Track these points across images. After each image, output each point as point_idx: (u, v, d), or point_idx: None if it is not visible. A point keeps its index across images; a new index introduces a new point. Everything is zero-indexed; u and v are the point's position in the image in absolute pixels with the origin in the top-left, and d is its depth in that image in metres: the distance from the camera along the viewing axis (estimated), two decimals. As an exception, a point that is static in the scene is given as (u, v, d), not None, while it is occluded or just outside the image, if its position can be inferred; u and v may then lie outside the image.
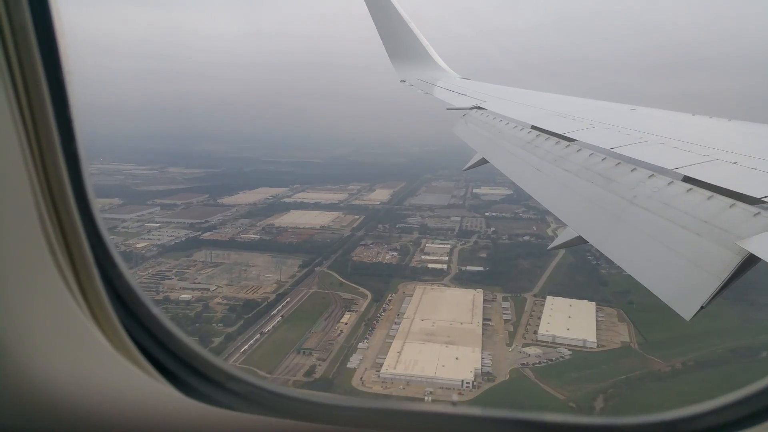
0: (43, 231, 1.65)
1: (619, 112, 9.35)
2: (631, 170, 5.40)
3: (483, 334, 57.21)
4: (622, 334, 59.01)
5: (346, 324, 59.17)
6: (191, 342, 1.98)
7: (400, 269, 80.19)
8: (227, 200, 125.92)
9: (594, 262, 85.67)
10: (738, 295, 68.05)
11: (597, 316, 62.70)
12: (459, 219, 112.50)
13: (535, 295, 69.84)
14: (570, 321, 60.11)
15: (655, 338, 57.91)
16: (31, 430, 1.70)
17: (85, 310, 1.77)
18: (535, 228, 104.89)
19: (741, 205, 3.89)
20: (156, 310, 1.97)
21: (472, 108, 12.17)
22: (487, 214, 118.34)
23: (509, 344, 55.66)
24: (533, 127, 8.56)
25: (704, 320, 61.95)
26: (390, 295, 68.95)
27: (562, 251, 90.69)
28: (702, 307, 3.36)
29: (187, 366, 1.94)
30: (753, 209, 3.78)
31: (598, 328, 59.48)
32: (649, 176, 5.07)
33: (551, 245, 6.75)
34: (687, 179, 4.74)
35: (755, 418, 1.79)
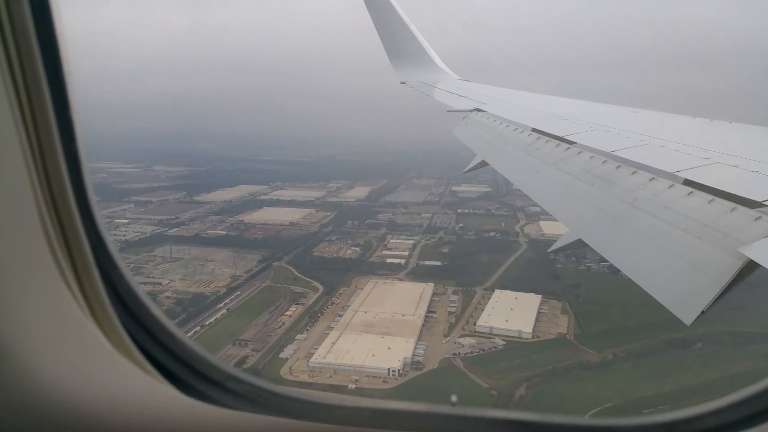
0: (44, 231, 1.65)
1: (620, 115, 9.32)
2: (632, 173, 5.38)
3: (423, 325, 58.41)
4: (561, 325, 60.11)
5: (290, 316, 60.37)
6: (191, 342, 1.99)
7: (358, 264, 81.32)
8: (203, 197, 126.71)
9: (552, 257, 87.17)
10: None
11: (540, 308, 63.74)
12: (430, 215, 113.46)
13: (485, 289, 70.89)
14: (511, 313, 61.23)
15: (593, 330, 59.11)
16: (31, 430, 1.69)
17: (85, 310, 1.77)
18: (503, 224, 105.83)
19: (742, 209, 3.86)
20: (156, 311, 1.98)
21: (472, 110, 12.19)
22: (459, 210, 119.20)
23: (447, 335, 56.85)
24: (534, 130, 8.56)
25: (647, 313, 63.13)
26: (342, 288, 70.13)
27: (524, 246, 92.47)
28: (702, 312, 3.36)
29: (187, 366, 1.95)
30: (754, 213, 3.75)
31: (538, 320, 60.56)
32: (650, 179, 5.05)
33: (551, 248, 6.73)
34: (688, 182, 4.73)
35: (755, 420, 1.77)
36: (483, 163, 9.77)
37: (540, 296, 66.88)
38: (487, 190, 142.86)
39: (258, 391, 1.92)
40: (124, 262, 1.95)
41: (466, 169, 10.75)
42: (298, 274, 74.54)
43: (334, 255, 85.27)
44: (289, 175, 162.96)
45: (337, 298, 66.85)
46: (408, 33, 20.01)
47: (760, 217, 3.66)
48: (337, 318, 59.83)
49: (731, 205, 3.97)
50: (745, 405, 1.84)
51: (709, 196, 4.25)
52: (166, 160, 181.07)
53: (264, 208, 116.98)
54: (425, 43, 20.11)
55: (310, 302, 65.25)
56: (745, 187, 4.31)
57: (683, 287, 3.72)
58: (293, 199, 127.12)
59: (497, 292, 68.74)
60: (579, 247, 5.59)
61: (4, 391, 1.63)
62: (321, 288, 69.66)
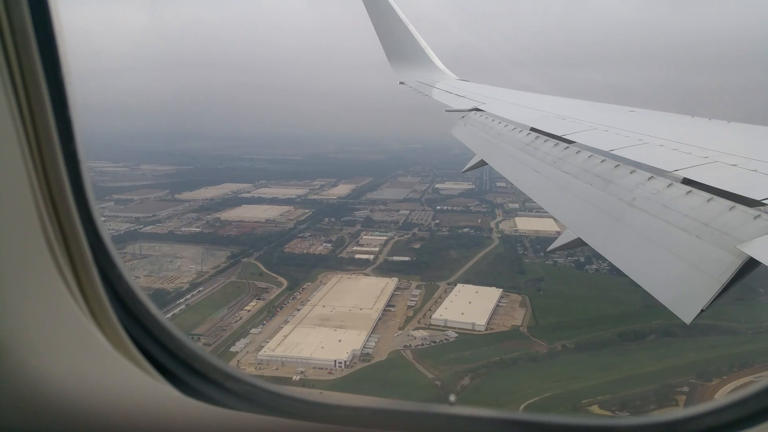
0: (43, 231, 1.65)
1: (619, 114, 9.35)
2: (631, 172, 5.39)
3: (380, 319, 59.17)
4: (517, 318, 60.88)
5: (249, 311, 61.12)
6: (190, 342, 2.01)
7: (327, 260, 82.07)
8: (186, 196, 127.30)
9: (521, 252, 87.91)
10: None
11: (499, 302, 64.51)
12: (407, 212, 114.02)
13: (449, 283, 71.65)
14: (469, 306, 61.94)
15: (547, 322, 59.95)
16: (30, 429, 1.70)
17: (84, 310, 1.76)
18: (479, 221, 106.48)
19: (741, 208, 3.87)
20: (155, 310, 1.98)
21: (471, 110, 12.20)
22: (438, 207, 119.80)
23: (401, 328, 57.60)
24: (532, 129, 8.57)
25: (605, 306, 64.04)
26: (306, 284, 70.87)
27: (496, 242, 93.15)
28: (702, 311, 3.35)
29: (186, 365, 1.96)
30: (753, 212, 3.76)
31: (495, 313, 61.34)
32: (649, 178, 5.06)
33: (550, 247, 6.72)
34: (686, 181, 4.73)
35: (754, 419, 1.79)
36: (482, 163, 9.79)
37: (501, 290, 67.62)
38: (470, 187, 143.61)
39: (256, 390, 1.93)
40: (123, 261, 1.95)
41: (465, 168, 10.84)
42: (265, 270, 75.26)
43: (305, 251, 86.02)
44: (278, 173, 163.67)
45: (300, 293, 67.60)
46: (407, 33, 20.08)
47: (759, 215, 3.65)
48: (295, 312, 60.61)
49: (730, 203, 3.96)
50: (743, 405, 1.84)
51: (708, 195, 4.24)
52: (156, 159, 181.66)
53: (243, 205, 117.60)
54: (424, 43, 20.21)
55: (272, 297, 66.00)
56: (744, 185, 4.29)
57: (682, 286, 3.71)
58: (275, 197, 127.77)
59: (459, 286, 69.50)
60: (578, 246, 5.58)
61: (2, 390, 1.63)
62: (285, 283, 70.42)
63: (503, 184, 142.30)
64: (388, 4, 20.08)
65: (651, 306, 64.08)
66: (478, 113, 11.80)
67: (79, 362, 1.74)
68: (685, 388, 45.88)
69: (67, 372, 1.70)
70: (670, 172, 5.03)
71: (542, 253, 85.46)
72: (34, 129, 1.61)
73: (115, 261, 1.91)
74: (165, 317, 2.03)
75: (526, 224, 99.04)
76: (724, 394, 45.02)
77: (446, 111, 13.29)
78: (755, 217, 3.66)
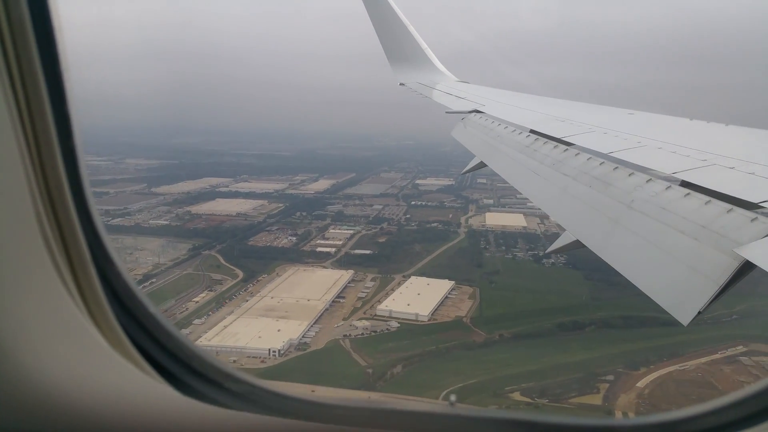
0: (40, 228, 1.64)
1: (617, 117, 9.38)
2: (629, 175, 5.42)
3: (326, 310, 60.05)
4: (463, 309, 61.77)
5: (197, 303, 61.95)
6: (189, 341, 2.01)
7: (288, 252, 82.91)
8: (163, 189, 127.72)
9: (483, 247, 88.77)
10: (602, 275, 71.16)
11: (449, 294, 65.42)
12: (381, 207, 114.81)
13: (404, 276, 72.53)
14: (417, 298, 62.85)
15: (492, 313, 60.89)
16: (29, 429, 1.69)
17: (82, 309, 1.76)
18: (450, 216, 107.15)
19: (738, 210, 3.90)
20: (154, 309, 1.98)
21: (471, 112, 12.24)
22: (413, 202, 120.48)
23: (346, 318, 58.49)
24: (532, 131, 8.58)
25: (553, 298, 64.93)
26: (262, 276, 71.66)
27: (461, 236, 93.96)
28: (699, 312, 3.38)
29: (185, 365, 1.96)
30: (750, 214, 3.78)
31: (442, 305, 62.24)
32: (647, 181, 5.07)
33: (549, 249, 6.70)
34: (685, 184, 4.75)
35: (753, 420, 1.80)
36: (481, 164, 9.81)
37: (452, 282, 68.51)
38: (450, 183, 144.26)
39: (256, 390, 1.93)
40: (121, 260, 1.95)
41: (465, 170, 10.88)
42: (224, 262, 76.04)
43: (268, 244, 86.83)
44: (263, 168, 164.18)
45: (253, 284, 68.39)
46: (407, 34, 20.17)
47: (757, 218, 3.67)
48: (243, 303, 61.45)
49: (728, 206, 3.99)
50: (743, 405, 1.84)
51: (706, 198, 4.27)
52: (142, 153, 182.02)
53: (217, 199, 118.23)
54: (424, 45, 20.30)
55: (224, 289, 66.77)
56: (742, 188, 4.32)
57: (680, 288, 3.73)
58: (252, 191, 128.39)
59: (412, 278, 70.44)
60: (576, 248, 5.53)
61: (1, 389, 1.62)
62: (241, 275, 71.22)
63: (483, 181, 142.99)
64: (388, 5, 20.19)
65: (597, 298, 65.26)
66: (478, 115, 11.88)
67: (77, 362, 1.74)
68: (610, 377, 46.77)
69: (65, 372, 1.70)
70: (669, 174, 5.05)
71: (504, 247, 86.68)
72: (32, 125, 1.60)
73: (113, 260, 1.91)
74: (164, 317, 2.02)
75: (494, 220, 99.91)
76: (646, 382, 46.03)
77: (446, 112, 13.38)
78: (752, 220, 3.68)
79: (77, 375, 1.73)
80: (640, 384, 45.40)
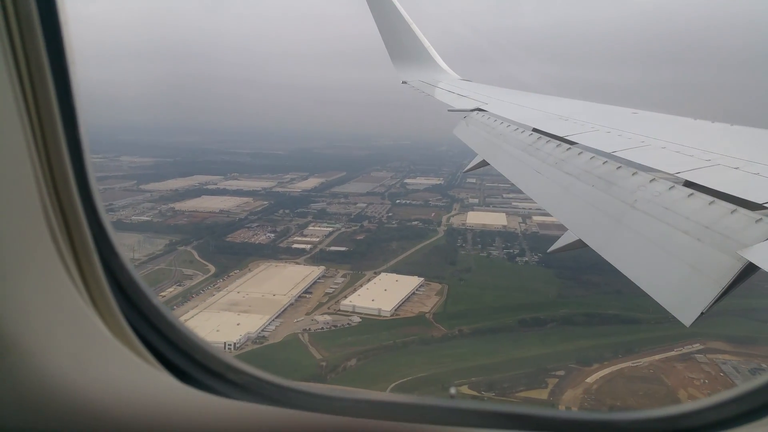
0: (46, 219, 1.65)
1: (621, 116, 9.34)
2: (632, 174, 5.38)
3: (291, 304, 60.58)
4: (427, 305, 62.21)
5: (164, 297, 62.45)
6: (192, 332, 2.03)
7: (264, 249, 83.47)
8: (151, 186, 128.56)
9: (459, 245, 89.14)
10: (572, 274, 71.47)
11: (417, 290, 65.89)
12: (365, 205, 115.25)
13: (376, 272, 73.00)
14: (383, 294, 63.35)
15: (456, 309, 61.32)
16: (31, 418, 1.70)
17: (86, 299, 1.77)
18: (433, 215, 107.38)
19: (742, 211, 3.87)
20: (157, 301, 1.99)
21: (473, 110, 12.27)
22: (398, 201, 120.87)
23: (309, 313, 59.01)
24: (534, 130, 8.57)
25: (519, 295, 65.25)
26: (234, 271, 72.25)
27: (440, 234, 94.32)
28: (702, 313, 3.37)
29: (187, 356, 1.97)
30: (755, 215, 3.76)
31: (408, 301, 62.72)
32: (650, 180, 5.05)
33: (551, 248, 6.67)
34: (688, 184, 4.74)
35: (753, 415, 1.81)
36: (483, 163, 9.81)
37: (421, 279, 68.93)
38: (439, 182, 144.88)
39: (257, 381, 1.95)
40: (125, 251, 1.97)
41: (467, 168, 10.90)
42: (198, 258, 76.66)
43: (246, 240, 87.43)
44: (256, 166, 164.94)
45: (223, 280, 68.99)
46: (410, 32, 20.20)
47: (761, 219, 3.65)
48: (209, 298, 62.05)
49: (732, 207, 3.98)
50: (744, 400, 1.86)
51: (710, 198, 4.26)
52: (141, 151, 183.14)
53: (202, 196, 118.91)
54: (427, 43, 20.36)
55: (193, 284, 67.38)
56: (746, 189, 4.31)
57: (683, 289, 3.71)
58: (239, 189, 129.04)
59: (382, 275, 70.89)
60: (579, 247, 5.53)
61: (3, 379, 1.64)
62: (213, 270, 71.85)
63: (473, 180, 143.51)
64: (391, 3, 20.25)
65: (564, 296, 65.64)
66: (481, 113, 11.88)
67: (80, 352, 1.75)
68: (561, 372, 47.12)
69: (68, 361, 1.71)
70: (672, 174, 5.04)
71: (479, 245, 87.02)
72: (38, 117, 1.61)
73: (117, 251, 1.92)
74: (167, 308, 2.04)
75: (476, 219, 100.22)
76: (596, 378, 46.35)
77: (449, 111, 13.38)
78: (757, 221, 3.66)
79: (80, 365, 1.74)
80: (590, 380, 45.74)
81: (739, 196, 4.19)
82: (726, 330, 53.82)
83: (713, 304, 3.35)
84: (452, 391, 2.03)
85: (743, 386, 1.88)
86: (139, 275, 2.00)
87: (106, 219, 1.89)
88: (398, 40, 20.45)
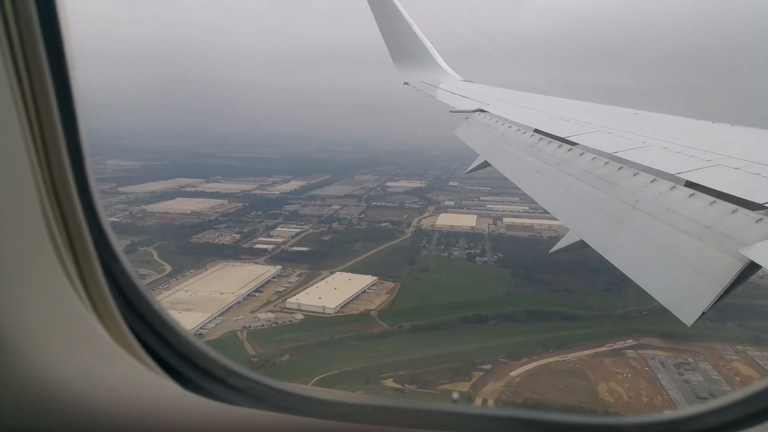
0: (46, 223, 1.65)
1: (622, 117, 9.36)
2: (634, 175, 5.40)
3: (238, 303, 61.11)
4: (375, 303, 62.73)
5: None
6: (193, 337, 2.03)
7: (226, 249, 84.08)
8: (130, 188, 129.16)
9: (422, 245, 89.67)
10: (527, 273, 71.96)
11: (368, 288, 66.46)
12: (339, 207, 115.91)
13: (332, 272, 73.54)
14: (333, 292, 63.91)
15: (402, 307, 61.83)
16: (32, 423, 1.69)
17: (87, 304, 1.77)
18: (405, 216, 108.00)
19: (743, 211, 3.89)
20: (158, 306, 2.00)
21: (475, 111, 12.29)
22: (374, 203, 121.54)
23: (254, 311, 59.57)
24: (536, 131, 8.60)
25: (469, 293, 65.71)
26: (191, 271, 72.86)
27: (407, 236, 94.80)
28: (703, 313, 3.38)
29: (188, 361, 1.97)
30: (755, 215, 3.77)
31: (356, 298, 63.31)
32: (651, 181, 5.06)
33: (552, 249, 6.62)
34: (689, 184, 4.75)
35: (755, 419, 1.81)
36: (485, 164, 9.84)
37: (375, 278, 69.52)
38: (420, 185, 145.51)
39: (259, 386, 1.95)
40: (126, 256, 1.96)
41: (469, 169, 10.89)
42: (156, 258, 77.22)
43: (210, 241, 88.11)
44: (243, 169, 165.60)
45: (176, 279, 69.57)
46: (411, 33, 20.32)
47: (762, 219, 3.67)
48: (158, 297, 62.59)
49: (732, 207, 4.00)
50: (746, 404, 1.86)
51: (711, 198, 4.28)
52: (128, 155, 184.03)
53: (177, 198, 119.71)
54: (428, 44, 20.46)
55: (145, 283, 67.69)
56: (747, 189, 4.31)
57: (684, 288, 3.72)
58: (218, 192, 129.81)
59: (336, 273, 71.48)
60: (580, 248, 5.53)
61: (4, 383, 1.63)
62: (169, 270, 72.44)
63: (455, 184, 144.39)
64: (392, 4, 20.39)
65: (512, 294, 66.13)
66: (482, 114, 11.90)
67: (81, 357, 1.74)
68: (489, 366, 47.57)
69: (69, 366, 1.70)
70: (673, 174, 5.05)
71: (442, 245, 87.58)
72: (39, 121, 1.61)
73: (118, 256, 1.92)
74: (168, 313, 2.04)
75: (446, 220, 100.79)
76: (520, 372, 46.79)
77: (450, 111, 13.38)
78: (757, 221, 3.68)
79: (80, 369, 1.73)
80: (514, 373, 46.20)
81: (740, 196, 4.19)
82: (664, 327, 54.33)
83: (714, 303, 3.37)
84: (455, 395, 2.11)
85: (745, 390, 1.88)
86: (140, 280, 2.00)
87: (107, 223, 1.91)
88: (400, 41, 20.53)
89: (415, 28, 20.39)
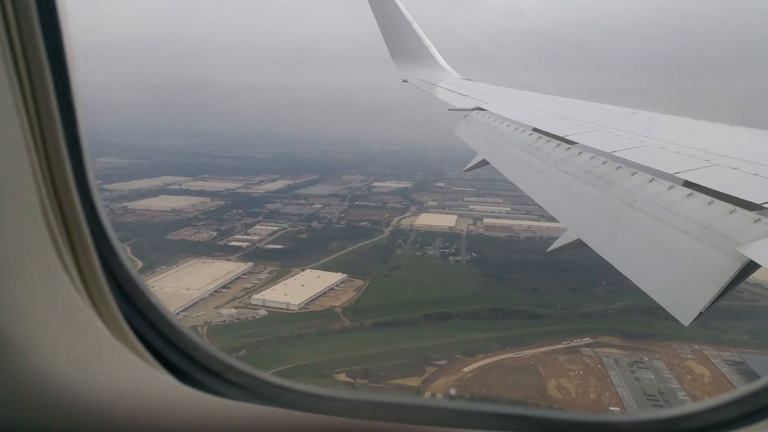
0: (45, 218, 1.65)
1: (621, 116, 9.39)
2: (632, 174, 5.42)
3: (203, 299, 61.26)
4: (341, 300, 62.94)
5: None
6: (191, 332, 2.03)
7: (201, 246, 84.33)
8: (115, 186, 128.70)
9: (397, 244, 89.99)
10: (498, 272, 72.31)
11: (336, 286, 66.64)
12: (320, 206, 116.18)
13: (302, 269, 73.80)
14: (300, 289, 64.06)
15: (367, 304, 62.02)
16: (30, 418, 1.69)
17: (85, 298, 1.77)
18: (386, 216, 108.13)
19: (741, 211, 3.90)
20: (156, 300, 2.01)
21: (473, 109, 12.29)
22: (356, 203, 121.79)
23: (217, 307, 59.77)
24: (535, 130, 8.61)
25: (437, 291, 66.02)
26: (161, 267, 73.09)
27: (384, 235, 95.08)
28: (701, 313, 3.39)
29: (186, 355, 1.98)
30: (753, 215, 3.79)
31: (323, 295, 63.42)
32: (650, 180, 5.08)
33: (550, 248, 6.67)
34: (687, 184, 4.78)
35: (752, 417, 1.81)
36: (483, 162, 9.86)
37: (344, 275, 69.72)
38: (406, 186, 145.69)
39: (256, 381, 1.96)
40: (124, 251, 1.97)
41: (467, 168, 10.94)
42: (129, 254, 77.37)
43: (186, 238, 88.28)
44: (232, 168, 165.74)
45: (147, 275, 69.53)
46: (411, 31, 20.36)
47: (759, 219, 3.69)
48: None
49: (730, 207, 4.02)
50: (744, 402, 1.86)
51: (709, 198, 4.30)
52: (119, 153, 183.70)
53: (160, 195, 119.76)
54: (428, 42, 20.48)
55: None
56: (745, 189, 4.33)
57: (682, 288, 3.74)
58: (203, 190, 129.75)
59: (306, 271, 71.68)
60: (578, 247, 5.58)
61: (1, 379, 1.64)
62: (140, 266, 72.54)
63: (442, 185, 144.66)
64: (392, 2, 20.45)
65: (480, 293, 66.44)
66: (481, 112, 11.91)
67: (79, 351, 1.74)
68: (443, 362, 47.85)
69: (67, 360, 1.70)
70: (672, 174, 5.06)
71: (418, 244, 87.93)
72: (38, 117, 1.61)
73: (116, 250, 1.93)
74: (166, 308, 2.06)
75: (426, 220, 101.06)
76: (473, 368, 47.08)
77: (449, 110, 13.38)
78: (755, 221, 3.69)
79: (79, 364, 1.73)
80: (467, 369, 46.47)
81: (738, 196, 4.21)
82: (625, 326, 54.79)
83: (712, 303, 3.38)
84: (452, 391, 2.19)
85: (744, 388, 1.89)
86: (138, 274, 2.02)
87: (106, 218, 1.91)
88: (399, 39, 20.57)
89: (415, 25, 20.43)
